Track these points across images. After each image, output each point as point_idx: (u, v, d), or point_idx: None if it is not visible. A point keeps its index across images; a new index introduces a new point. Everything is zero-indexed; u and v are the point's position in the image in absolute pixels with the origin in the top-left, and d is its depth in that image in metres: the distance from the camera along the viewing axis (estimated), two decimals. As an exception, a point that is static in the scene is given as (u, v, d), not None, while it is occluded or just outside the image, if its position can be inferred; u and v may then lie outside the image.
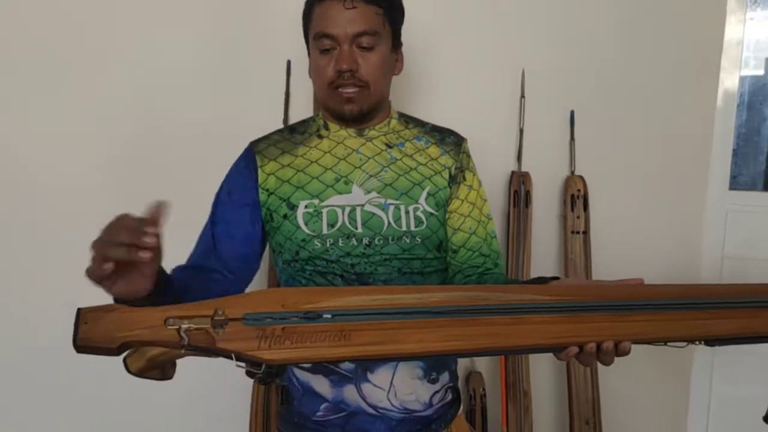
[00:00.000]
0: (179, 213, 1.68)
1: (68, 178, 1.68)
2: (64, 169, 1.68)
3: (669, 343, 0.81)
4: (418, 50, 1.69)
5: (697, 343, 0.82)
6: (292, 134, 1.10)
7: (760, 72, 2.35)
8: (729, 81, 1.75)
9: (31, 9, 1.61)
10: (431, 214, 1.04)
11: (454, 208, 1.09)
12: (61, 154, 1.67)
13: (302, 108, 1.67)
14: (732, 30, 1.73)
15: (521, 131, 1.70)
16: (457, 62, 1.70)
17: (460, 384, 1.76)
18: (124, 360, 0.77)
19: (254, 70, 1.66)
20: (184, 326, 0.71)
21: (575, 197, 1.67)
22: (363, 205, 1.02)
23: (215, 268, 1.03)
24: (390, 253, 1.01)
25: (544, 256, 1.74)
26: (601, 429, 1.67)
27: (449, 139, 1.12)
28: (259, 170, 1.05)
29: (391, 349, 0.75)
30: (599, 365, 0.90)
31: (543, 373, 1.79)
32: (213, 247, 1.04)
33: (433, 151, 1.09)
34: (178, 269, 0.99)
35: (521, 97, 1.70)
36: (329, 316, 0.74)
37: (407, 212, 1.03)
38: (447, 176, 1.08)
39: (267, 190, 1.04)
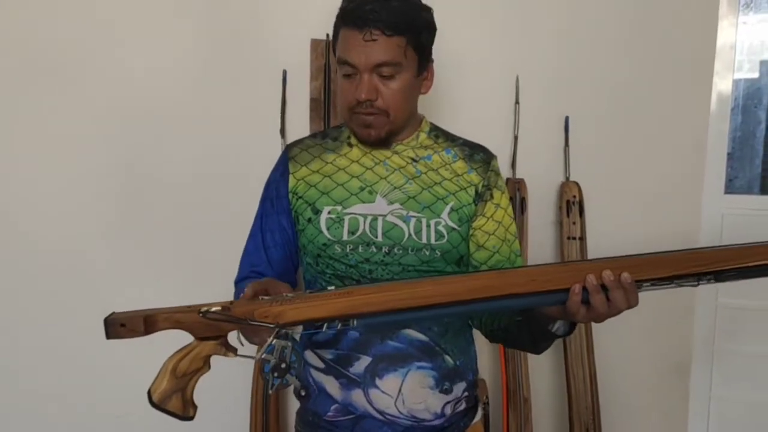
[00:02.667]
0: (180, 220, 1.71)
1: (57, 194, 1.69)
2: (52, 190, 1.69)
3: (676, 281, 0.82)
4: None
5: (707, 280, 0.83)
6: (324, 140, 1.13)
7: (755, 75, 2.36)
8: (722, 85, 1.75)
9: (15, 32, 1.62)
10: (453, 228, 1.05)
11: (479, 225, 1.08)
12: (53, 169, 1.68)
13: (299, 117, 1.68)
14: (724, 34, 1.74)
15: (516, 138, 1.71)
16: (451, 69, 1.70)
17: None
18: (149, 390, 0.84)
19: (251, 80, 1.68)
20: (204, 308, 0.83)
21: (571, 203, 1.67)
22: (385, 216, 1.04)
23: (270, 276, 1.09)
24: (409, 264, 1.03)
25: (540, 262, 1.74)
26: (601, 435, 1.67)
27: (478, 156, 1.11)
28: (290, 176, 1.10)
29: (389, 296, 0.83)
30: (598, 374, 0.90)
31: (542, 379, 1.79)
32: (265, 255, 1.12)
33: (460, 166, 1.09)
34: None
35: (516, 104, 1.70)
36: (332, 288, 0.87)
37: (428, 225, 1.04)
38: (473, 193, 1.08)
39: (296, 194, 1.09)
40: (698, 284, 0.84)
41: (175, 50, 1.67)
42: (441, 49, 1.68)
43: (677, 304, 1.76)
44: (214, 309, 0.83)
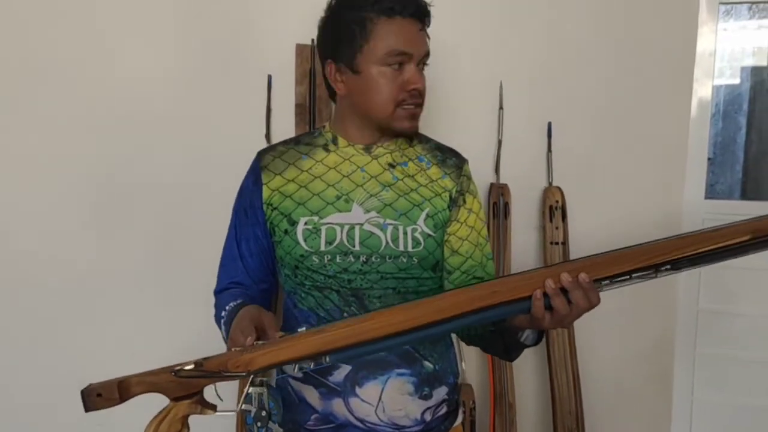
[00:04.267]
0: (164, 225, 1.69)
1: (37, 203, 1.68)
2: (35, 195, 1.68)
3: (634, 276, 0.84)
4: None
5: (665, 270, 0.83)
6: (298, 145, 1.11)
7: (736, 81, 2.40)
8: (702, 91, 1.77)
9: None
10: (429, 235, 1.05)
11: (453, 231, 1.09)
12: (36, 174, 1.67)
13: (284, 122, 1.68)
14: (704, 41, 1.76)
15: (499, 143, 1.71)
16: (435, 74, 1.70)
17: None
18: None
19: (235, 86, 1.67)
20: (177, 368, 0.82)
21: (554, 208, 1.68)
22: (362, 224, 1.03)
23: (249, 285, 1.11)
24: (386, 272, 1.02)
25: (523, 267, 1.73)
26: (585, 439, 1.67)
27: (450, 161, 1.12)
28: (264, 187, 1.08)
29: (364, 327, 0.83)
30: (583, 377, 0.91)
31: (527, 384, 1.79)
32: (242, 265, 1.11)
33: (434, 172, 1.10)
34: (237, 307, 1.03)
35: (499, 109, 1.71)
36: (303, 329, 0.85)
37: (405, 233, 1.03)
38: (447, 198, 1.08)
39: (270, 205, 1.07)
40: (657, 275, 0.85)
41: (160, 56, 1.66)
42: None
43: (659, 309, 1.77)
44: (187, 367, 0.82)
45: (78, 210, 1.69)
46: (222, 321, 1.03)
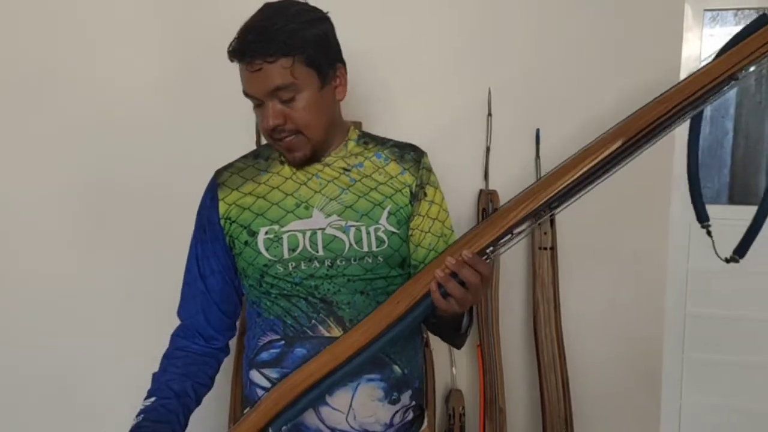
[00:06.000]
0: (153, 232, 1.69)
1: (25, 213, 1.69)
2: (21, 204, 1.68)
3: (515, 232, 0.95)
4: (386, 70, 1.71)
5: (541, 215, 0.96)
6: (257, 160, 1.12)
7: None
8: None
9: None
10: (393, 233, 1.06)
11: (416, 225, 1.10)
12: (22, 180, 1.67)
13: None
14: (689, 47, 1.78)
15: (488, 149, 1.73)
16: (423, 81, 1.72)
17: (439, 403, 1.78)
18: None
19: (224, 91, 1.65)
20: None
21: (542, 213, 1.69)
22: (324, 229, 1.04)
23: (207, 316, 1.12)
24: (353, 274, 1.03)
25: (512, 272, 1.76)
26: (574, 443, 1.68)
27: (409, 156, 1.13)
28: (220, 203, 1.09)
29: (318, 365, 0.96)
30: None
31: (517, 389, 1.80)
32: (203, 285, 1.11)
33: (393, 168, 1.10)
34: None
35: (488, 116, 1.73)
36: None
37: (368, 233, 1.04)
38: (408, 194, 1.09)
39: (228, 219, 1.08)
40: (538, 223, 0.95)
41: (147, 60, 1.67)
42: (414, 62, 1.71)
43: (647, 313, 1.78)
44: None
45: (63, 217, 1.70)
46: (140, 410, 1.03)
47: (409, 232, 1.10)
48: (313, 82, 1.01)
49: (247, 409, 0.93)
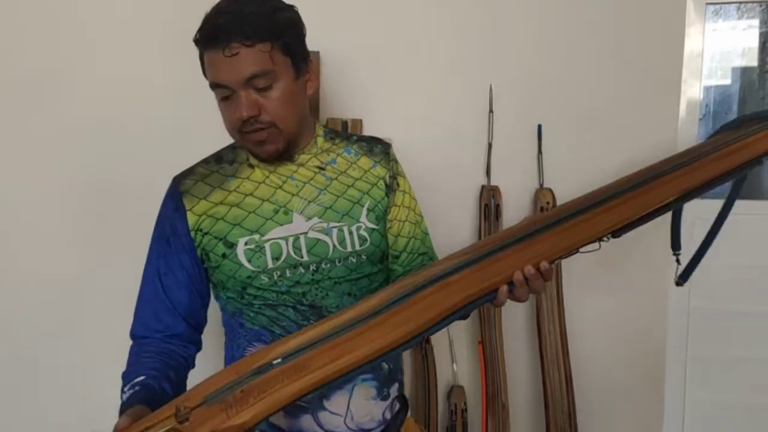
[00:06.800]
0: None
1: (25, 213, 1.68)
2: (21, 204, 1.68)
3: (581, 250, 0.90)
4: (387, 68, 1.72)
5: (605, 239, 0.91)
6: (220, 164, 1.05)
7: (726, 81, 2.41)
8: (691, 92, 1.79)
9: None
10: (373, 229, 1.04)
11: (394, 216, 1.09)
12: (18, 188, 1.67)
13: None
14: (692, 42, 1.77)
15: (490, 145, 1.72)
16: (425, 79, 1.72)
17: (441, 399, 1.78)
18: None
19: None
20: None
21: (545, 209, 1.69)
22: (306, 233, 1.00)
23: (174, 332, 1.02)
24: (339, 276, 1.01)
25: (515, 269, 1.76)
26: (578, 439, 1.68)
27: (377, 149, 1.11)
28: (188, 213, 1.01)
29: (348, 360, 0.80)
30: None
31: (520, 385, 1.80)
32: (167, 299, 1.02)
33: (365, 162, 1.09)
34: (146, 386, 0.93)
35: (489, 112, 1.72)
36: (279, 360, 0.79)
37: (351, 233, 1.02)
38: (383, 186, 1.08)
39: (200, 231, 1.00)
40: (600, 247, 0.92)
41: (148, 57, 1.66)
42: (415, 60, 1.71)
43: (650, 309, 1.78)
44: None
45: (63, 217, 1.69)
46: (122, 397, 0.93)
47: (387, 225, 1.09)
48: (289, 72, 0.96)
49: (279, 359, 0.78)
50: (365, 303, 0.84)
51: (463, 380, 1.79)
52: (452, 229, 1.73)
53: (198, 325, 1.07)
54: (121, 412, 0.86)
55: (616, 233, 0.92)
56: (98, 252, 1.71)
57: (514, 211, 1.74)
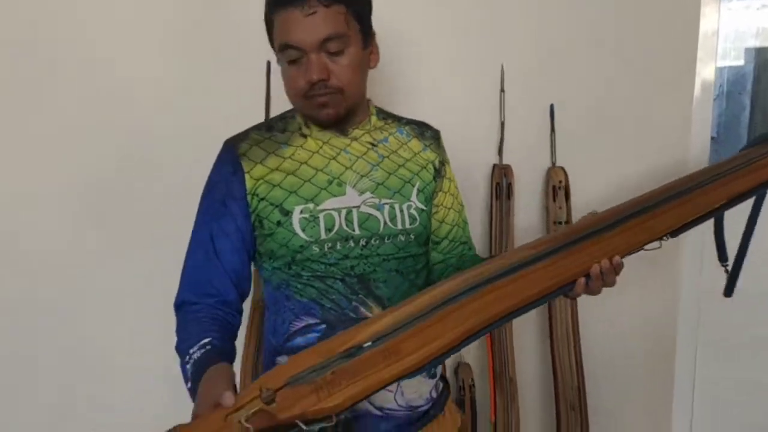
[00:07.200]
0: (165, 219, 1.67)
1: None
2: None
3: (646, 247, 0.95)
4: (399, 46, 1.70)
5: (666, 238, 0.96)
6: (272, 132, 1.04)
7: (740, 62, 2.40)
8: (705, 72, 1.77)
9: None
10: (422, 210, 1.05)
11: (440, 202, 1.11)
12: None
13: (284, 110, 1.66)
14: (707, 21, 1.76)
15: (502, 125, 1.72)
16: (437, 58, 1.72)
17: (450, 375, 1.79)
18: None
19: (233, 73, 1.63)
20: (243, 417, 0.71)
21: (557, 188, 1.69)
22: (358, 207, 1.00)
23: (226, 298, 1.00)
24: (387, 253, 1.01)
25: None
26: (587, 414, 1.69)
27: (428, 133, 1.13)
28: (246, 176, 0.99)
29: (438, 345, 0.81)
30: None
31: (529, 361, 1.81)
32: (220, 264, 1.00)
33: (415, 144, 1.10)
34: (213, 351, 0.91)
35: (501, 92, 1.72)
36: (369, 343, 0.79)
37: (401, 210, 1.02)
38: (432, 170, 1.09)
39: (257, 196, 0.99)
40: (660, 246, 0.96)
41: (153, 42, 1.62)
42: (427, 39, 1.71)
43: (662, 286, 1.79)
44: (249, 414, 0.71)
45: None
46: (187, 366, 0.89)
47: (433, 210, 1.10)
48: (358, 40, 0.97)
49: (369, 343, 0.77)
50: (440, 287, 0.85)
51: (469, 357, 1.81)
52: (463, 208, 1.73)
53: (244, 294, 1.05)
54: (199, 372, 0.84)
55: (675, 233, 0.97)
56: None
57: (526, 189, 1.74)
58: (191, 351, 0.90)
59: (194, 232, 1.04)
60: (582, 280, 0.90)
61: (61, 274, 1.66)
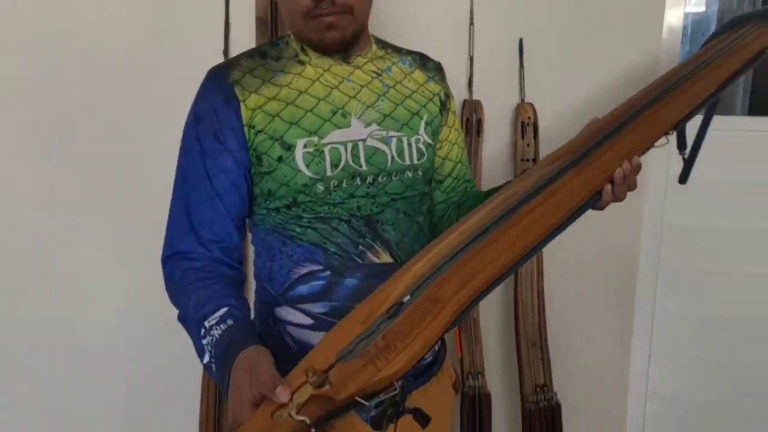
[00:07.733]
0: (115, 155, 1.62)
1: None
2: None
3: (655, 144, 0.93)
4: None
5: (670, 133, 0.94)
6: (265, 59, 0.94)
7: (701, 9, 2.44)
8: (673, 17, 1.75)
9: None
10: (429, 144, 0.99)
11: (445, 137, 1.05)
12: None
13: (243, 38, 1.60)
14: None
15: (471, 59, 1.68)
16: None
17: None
18: None
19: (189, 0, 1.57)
20: (293, 410, 0.65)
21: (525, 125, 1.67)
22: (365, 140, 0.92)
23: (229, 243, 0.91)
24: (394, 192, 0.95)
25: (494, 184, 1.74)
26: (548, 350, 1.72)
27: (430, 64, 1.07)
28: (242, 105, 0.89)
29: (478, 283, 0.75)
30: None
31: (491, 300, 1.82)
32: (219, 203, 0.90)
33: (419, 75, 1.03)
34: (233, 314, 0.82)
35: (470, 25, 1.67)
36: (408, 297, 0.72)
37: (409, 144, 0.96)
38: (438, 103, 1.03)
39: (254, 128, 0.89)
40: (668, 141, 0.95)
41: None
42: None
43: (624, 223, 1.80)
44: (299, 417, 0.65)
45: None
46: (204, 340, 0.79)
47: (438, 145, 1.04)
48: None
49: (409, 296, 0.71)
50: (466, 222, 0.79)
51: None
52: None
53: (243, 235, 0.96)
54: (226, 356, 0.75)
55: (676, 126, 0.94)
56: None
57: (495, 125, 1.71)
58: (207, 323, 0.81)
59: (182, 172, 0.92)
60: (608, 187, 0.86)
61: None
